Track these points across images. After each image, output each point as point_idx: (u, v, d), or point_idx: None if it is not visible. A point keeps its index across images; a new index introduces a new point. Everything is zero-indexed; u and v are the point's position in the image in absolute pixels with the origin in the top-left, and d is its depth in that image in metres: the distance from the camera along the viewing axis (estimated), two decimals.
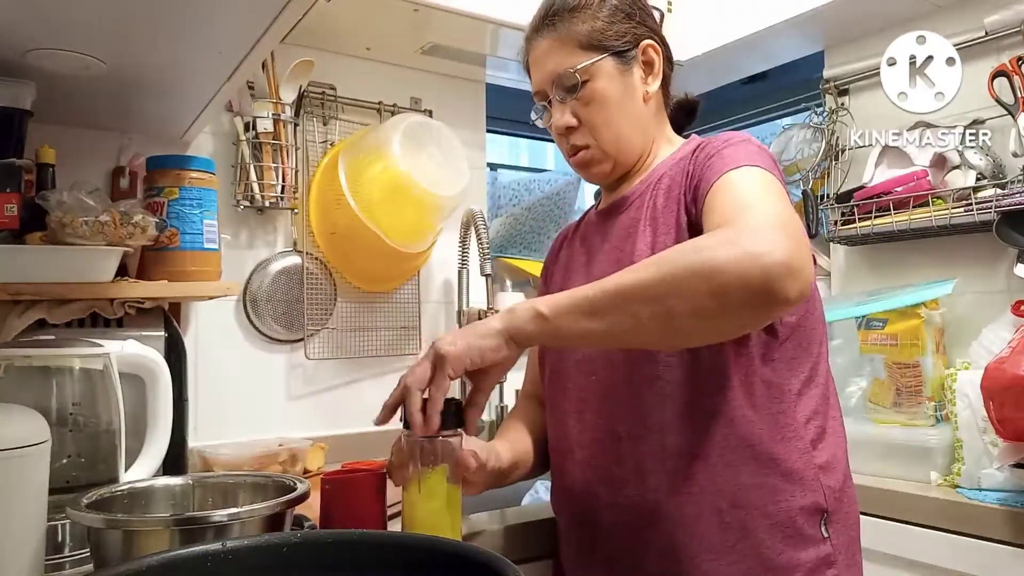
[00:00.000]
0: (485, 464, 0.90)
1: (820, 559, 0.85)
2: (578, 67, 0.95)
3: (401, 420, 0.81)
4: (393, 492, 0.89)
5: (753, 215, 0.76)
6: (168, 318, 1.27)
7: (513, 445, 1.01)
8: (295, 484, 0.82)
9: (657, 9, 1.09)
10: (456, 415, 0.82)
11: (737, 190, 0.82)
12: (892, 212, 1.59)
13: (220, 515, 0.72)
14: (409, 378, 0.81)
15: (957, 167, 1.55)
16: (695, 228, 0.86)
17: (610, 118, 0.96)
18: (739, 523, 0.84)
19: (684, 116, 1.09)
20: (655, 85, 0.99)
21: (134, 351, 1.03)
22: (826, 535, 0.86)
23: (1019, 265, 1.46)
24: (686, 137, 1.04)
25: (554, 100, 0.98)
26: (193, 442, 1.38)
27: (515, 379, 1.26)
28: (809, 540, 0.85)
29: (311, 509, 0.89)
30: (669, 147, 1.02)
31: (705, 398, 0.86)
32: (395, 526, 0.92)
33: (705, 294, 0.71)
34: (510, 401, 1.83)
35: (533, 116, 1.04)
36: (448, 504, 0.82)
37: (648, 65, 0.98)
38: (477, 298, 1.82)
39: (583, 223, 1.11)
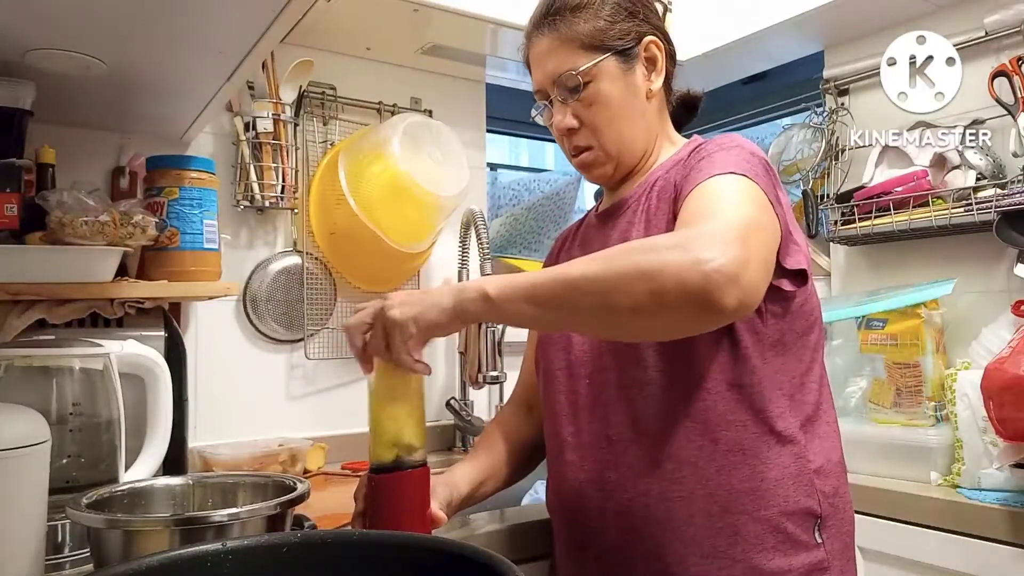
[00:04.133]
0: (449, 504, 0.92)
1: (812, 565, 0.85)
2: (580, 69, 0.93)
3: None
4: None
5: (714, 221, 0.75)
6: (168, 318, 1.27)
7: (477, 464, 1.01)
8: (295, 484, 0.82)
9: (660, 2, 1.06)
10: None
11: (711, 196, 0.81)
12: (892, 212, 1.59)
13: (220, 515, 0.72)
14: (353, 324, 0.82)
15: (957, 167, 1.54)
16: None
17: (612, 119, 0.95)
18: (730, 528, 0.84)
19: (685, 112, 1.07)
20: (658, 82, 0.97)
21: (134, 351, 1.03)
22: (819, 540, 0.86)
23: (1019, 265, 1.46)
24: (686, 136, 1.03)
25: (555, 100, 0.96)
26: (193, 442, 1.38)
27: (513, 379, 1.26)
28: (801, 546, 0.85)
29: (311, 509, 0.89)
30: (671, 147, 1.01)
31: (696, 403, 0.85)
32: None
33: (644, 293, 0.71)
34: None
35: (533, 113, 1.03)
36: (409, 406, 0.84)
37: (651, 62, 0.97)
38: None
39: (583, 225, 1.10)
